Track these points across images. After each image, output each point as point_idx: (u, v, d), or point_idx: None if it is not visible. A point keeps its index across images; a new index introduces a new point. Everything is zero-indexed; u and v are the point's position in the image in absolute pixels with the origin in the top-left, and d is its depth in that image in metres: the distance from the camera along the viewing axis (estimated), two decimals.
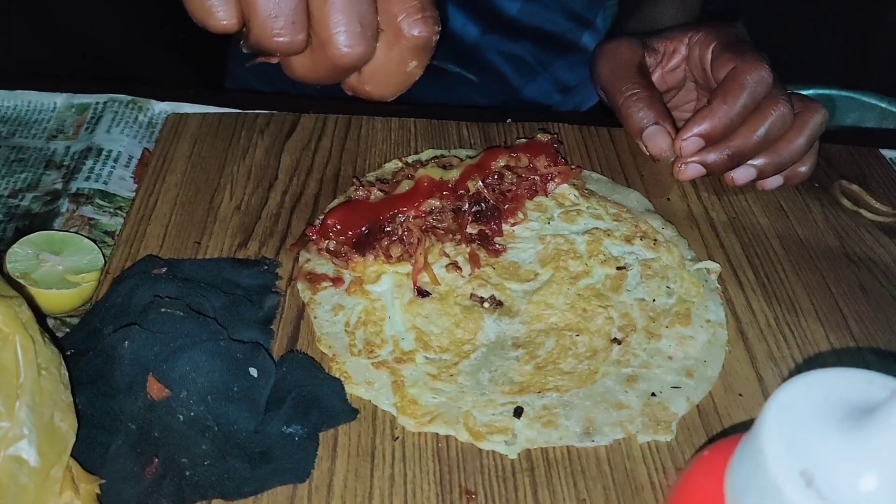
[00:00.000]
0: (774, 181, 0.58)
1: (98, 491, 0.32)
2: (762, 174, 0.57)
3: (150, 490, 0.34)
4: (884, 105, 0.96)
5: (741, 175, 0.57)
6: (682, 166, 0.56)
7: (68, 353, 0.39)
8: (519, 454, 0.40)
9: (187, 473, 0.35)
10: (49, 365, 0.33)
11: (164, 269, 0.43)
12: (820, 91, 0.94)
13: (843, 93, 1.03)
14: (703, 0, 0.78)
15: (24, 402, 0.30)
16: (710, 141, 0.55)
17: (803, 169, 0.58)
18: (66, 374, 0.34)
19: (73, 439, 0.32)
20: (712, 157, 0.55)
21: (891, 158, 0.66)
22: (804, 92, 0.76)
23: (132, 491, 0.34)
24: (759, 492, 0.21)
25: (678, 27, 0.61)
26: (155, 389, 0.35)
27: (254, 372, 0.38)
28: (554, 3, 0.81)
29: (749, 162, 0.56)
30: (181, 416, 0.36)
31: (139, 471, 0.34)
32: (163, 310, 0.38)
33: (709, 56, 0.58)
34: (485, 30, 0.80)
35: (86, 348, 0.38)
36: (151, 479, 0.34)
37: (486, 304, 0.47)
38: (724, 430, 0.42)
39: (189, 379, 0.36)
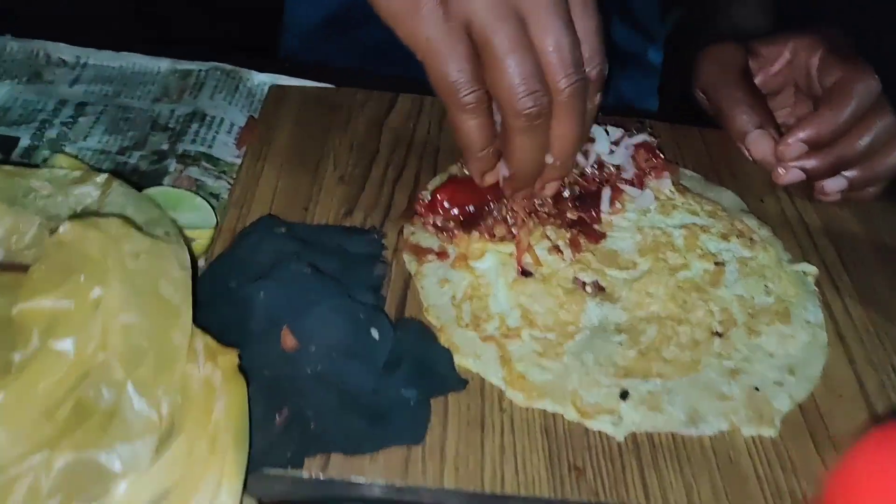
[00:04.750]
0: (836, 187, 0.57)
1: (238, 361, 0.32)
2: (853, 186, 0.56)
3: (277, 437, 0.35)
4: None
5: (832, 185, 0.57)
6: (783, 170, 0.56)
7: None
8: (626, 437, 0.40)
9: (312, 426, 0.36)
10: (151, 249, 0.33)
11: (283, 229, 0.44)
12: None
13: None
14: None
15: (116, 278, 0.29)
16: (815, 147, 0.54)
17: (872, 189, 0.57)
18: (184, 258, 0.34)
19: (189, 309, 0.32)
20: (814, 162, 0.55)
21: None
22: None
23: (261, 436, 0.35)
24: None
25: (782, 32, 0.61)
26: (288, 341, 0.36)
27: (375, 333, 0.39)
28: (625, 16, 0.81)
29: (842, 172, 0.56)
30: (309, 370, 0.37)
31: (271, 417, 0.35)
32: (291, 266, 0.39)
33: (815, 62, 0.57)
34: None
35: (213, 298, 0.39)
36: (280, 426, 0.35)
37: (588, 289, 0.47)
38: (827, 431, 0.42)
39: (318, 334, 0.37)
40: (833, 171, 0.55)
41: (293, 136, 0.57)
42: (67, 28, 0.65)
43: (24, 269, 0.30)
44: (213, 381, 0.31)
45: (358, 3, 0.44)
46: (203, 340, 0.33)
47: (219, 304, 0.39)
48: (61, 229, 0.30)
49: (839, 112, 0.53)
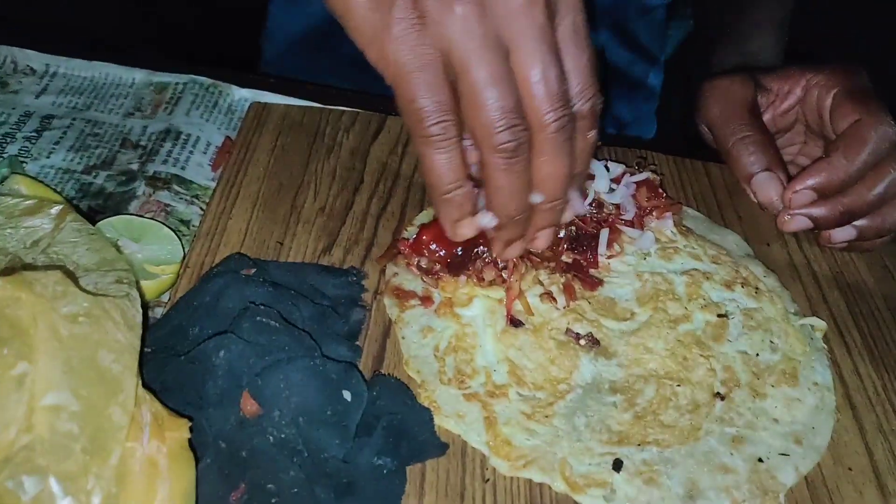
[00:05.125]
0: (844, 237, 0.53)
1: (188, 435, 0.29)
2: (861, 236, 0.53)
3: None
4: None
5: (840, 235, 0.53)
6: (788, 217, 0.52)
7: (149, 350, 0.37)
8: None
9: (273, 501, 0.32)
10: (91, 311, 0.29)
11: (252, 270, 0.41)
12: None
13: None
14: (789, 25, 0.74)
15: (46, 350, 0.26)
16: (824, 195, 0.51)
17: (882, 239, 0.54)
18: (132, 316, 0.31)
19: (134, 380, 0.28)
20: (822, 211, 0.51)
21: None
22: None
23: None
24: None
25: (794, 66, 0.57)
26: (248, 406, 0.33)
27: (347, 395, 0.36)
28: (626, 39, 0.78)
29: (853, 223, 0.53)
30: (271, 438, 0.33)
31: (224, 494, 0.31)
32: (258, 318, 0.36)
33: (828, 102, 0.54)
34: None
35: (170, 347, 0.36)
36: (235, 503, 0.32)
37: (582, 342, 0.44)
38: None
39: (283, 398, 0.33)
40: (844, 220, 0.52)
41: (272, 161, 0.53)
42: (37, 34, 0.61)
43: None
44: (157, 462, 0.27)
45: None
46: (151, 409, 0.29)
47: (182, 359, 0.35)
48: None
49: (852, 160, 0.50)
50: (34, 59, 0.60)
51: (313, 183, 0.52)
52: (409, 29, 0.36)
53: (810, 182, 0.51)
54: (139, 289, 0.34)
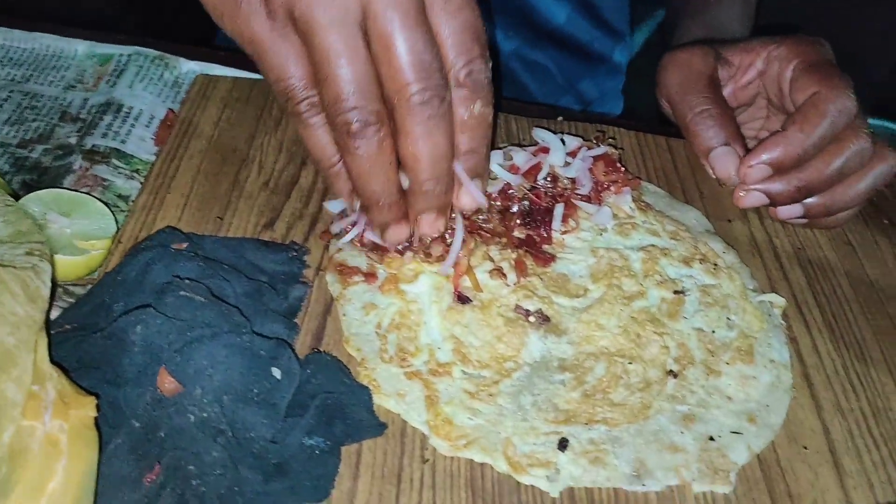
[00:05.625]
0: (789, 214, 0.52)
1: (94, 414, 0.27)
2: (809, 213, 0.51)
3: (147, 500, 0.30)
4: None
5: (786, 212, 0.51)
6: (743, 193, 0.51)
7: (69, 327, 0.35)
8: (561, 492, 0.36)
9: (193, 483, 0.31)
10: None
11: (184, 245, 0.39)
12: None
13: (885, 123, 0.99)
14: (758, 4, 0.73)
15: None
16: (780, 170, 0.49)
17: (842, 216, 0.53)
18: (36, 289, 0.29)
19: (30, 355, 0.27)
20: (777, 187, 0.50)
21: None
22: None
23: (126, 499, 0.29)
24: None
25: (756, 39, 0.56)
26: (166, 383, 0.31)
27: (277, 373, 0.34)
28: (591, 14, 0.76)
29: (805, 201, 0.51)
30: (192, 417, 0.31)
31: (137, 476, 0.30)
32: (181, 293, 0.34)
33: (788, 74, 0.52)
34: (521, 42, 0.75)
35: (92, 324, 0.34)
36: (150, 487, 0.30)
37: (531, 318, 0.43)
38: (787, 488, 0.38)
39: (205, 375, 0.32)
40: (798, 196, 0.50)
41: (217, 134, 0.51)
42: None
43: None
44: (57, 440, 0.25)
45: None
46: (57, 386, 0.27)
47: (94, 332, 0.33)
48: None
49: (808, 134, 0.48)
50: None
51: (258, 157, 0.50)
52: (257, 3, 0.34)
53: (765, 157, 0.49)
54: (52, 263, 0.32)
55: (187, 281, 0.35)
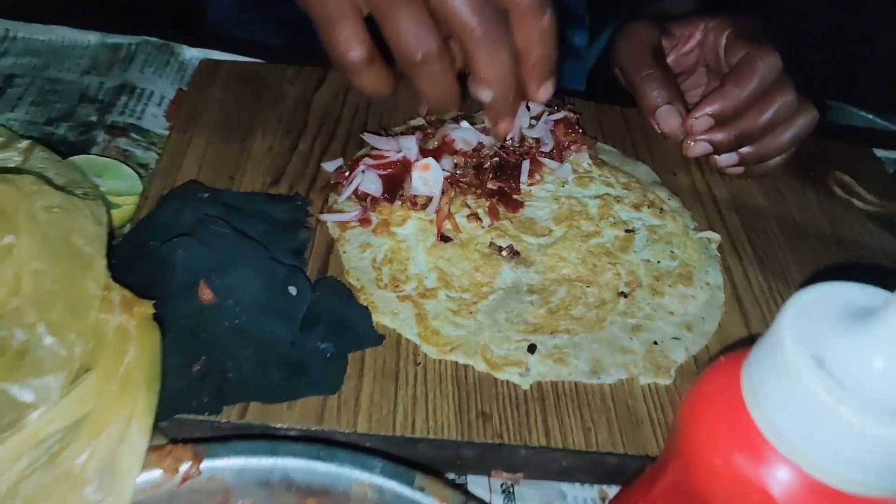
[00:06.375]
0: (727, 162, 0.60)
1: (153, 311, 0.34)
2: (744, 161, 0.60)
3: (194, 384, 0.37)
4: (870, 116, 1.02)
5: (724, 160, 0.60)
6: (692, 143, 0.59)
7: (115, 262, 0.41)
8: (531, 385, 0.43)
9: (230, 375, 0.38)
10: (64, 204, 0.34)
11: (206, 195, 0.45)
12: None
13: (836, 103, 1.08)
14: None
15: (27, 229, 0.31)
16: (720, 121, 0.58)
17: (771, 163, 0.61)
18: (100, 215, 0.36)
19: (103, 261, 0.34)
20: (720, 136, 0.58)
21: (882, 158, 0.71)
22: None
23: (178, 384, 0.36)
24: (775, 377, 0.24)
25: (695, 13, 0.64)
26: (205, 294, 0.38)
27: (293, 290, 0.41)
28: None
29: (739, 150, 0.60)
30: (226, 323, 0.38)
31: (186, 365, 0.36)
32: (211, 227, 0.41)
33: (723, 42, 0.61)
34: None
35: (136, 256, 0.41)
36: (196, 374, 0.37)
37: (503, 253, 0.50)
38: None
39: (236, 290, 0.39)
40: (739, 144, 0.59)
41: (222, 110, 0.58)
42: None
43: None
44: (127, 328, 0.32)
45: None
46: (120, 293, 0.34)
47: (138, 263, 0.40)
48: None
49: (742, 88, 0.57)
50: None
51: (260, 128, 0.57)
52: None
53: (708, 109, 0.57)
54: (107, 203, 0.39)
55: (215, 218, 0.42)
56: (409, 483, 0.31)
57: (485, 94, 0.47)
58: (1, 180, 0.32)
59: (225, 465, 0.31)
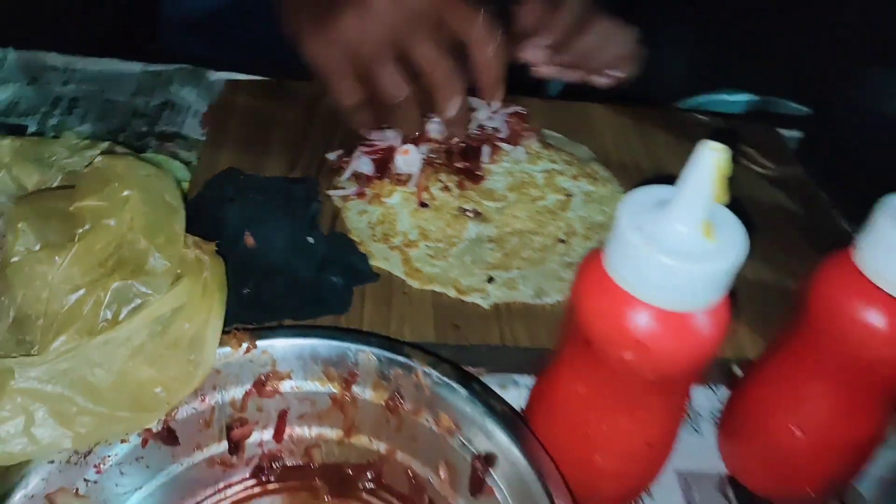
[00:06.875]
0: (547, 74, 0.74)
1: (216, 248, 0.48)
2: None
3: (244, 304, 0.51)
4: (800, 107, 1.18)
5: (545, 71, 0.74)
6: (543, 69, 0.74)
7: None
8: (490, 305, 0.58)
9: (266, 297, 0.52)
10: (155, 173, 0.48)
11: (241, 176, 0.61)
12: (746, 97, 1.14)
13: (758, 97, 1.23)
14: None
15: (136, 186, 0.45)
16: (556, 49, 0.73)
17: (603, 79, 0.76)
18: (177, 188, 0.50)
19: (183, 212, 0.48)
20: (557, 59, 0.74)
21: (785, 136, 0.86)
22: (731, 98, 0.96)
23: (233, 303, 0.51)
24: (617, 248, 0.39)
25: None
26: (249, 241, 0.53)
27: (311, 240, 0.56)
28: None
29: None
30: (264, 262, 0.53)
31: (240, 287, 0.51)
32: (249, 195, 0.56)
33: None
34: None
35: (193, 219, 0.55)
36: (245, 296, 0.52)
37: (468, 213, 0.65)
38: None
39: (271, 238, 0.54)
40: (574, 64, 0.74)
41: (245, 117, 0.73)
42: (57, 40, 0.80)
43: (70, 188, 0.46)
44: (201, 258, 0.47)
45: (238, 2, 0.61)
46: (192, 238, 0.49)
47: (198, 222, 0.55)
48: (96, 160, 0.46)
49: (563, 20, 0.71)
50: (56, 59, 0.80)
51: (276, 130, 0.72)
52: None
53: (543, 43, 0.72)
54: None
55: (252, 191, 0.57)
56: (399, 352, 0.46)
57: (444, 116, 0.64)
58: (115, 157, 0.47)
59: (273, 343, 0.45)
